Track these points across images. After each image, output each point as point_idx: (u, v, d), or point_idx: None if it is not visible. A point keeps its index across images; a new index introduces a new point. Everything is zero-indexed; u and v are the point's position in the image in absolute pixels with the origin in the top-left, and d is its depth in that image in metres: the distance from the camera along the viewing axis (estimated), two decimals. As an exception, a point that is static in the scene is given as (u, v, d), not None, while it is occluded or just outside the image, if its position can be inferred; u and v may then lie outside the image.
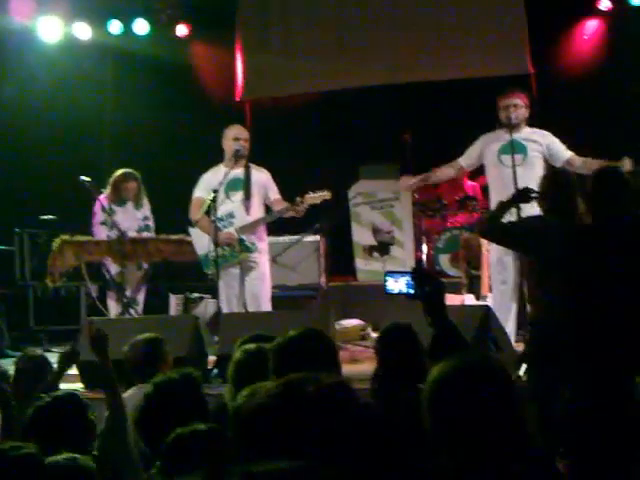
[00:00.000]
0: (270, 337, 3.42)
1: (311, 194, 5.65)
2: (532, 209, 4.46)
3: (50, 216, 7.33)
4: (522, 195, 4.25)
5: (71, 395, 3.10)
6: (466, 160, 5.70)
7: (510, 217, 4.52)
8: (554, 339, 3.65)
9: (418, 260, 6.98)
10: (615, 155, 6.47)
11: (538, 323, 4.02)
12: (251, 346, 3.23)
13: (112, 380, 3.22)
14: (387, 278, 2.99)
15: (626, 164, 5.01)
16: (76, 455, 2.44)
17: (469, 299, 6.34)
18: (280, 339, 2.78)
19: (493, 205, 5.12)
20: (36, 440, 2.58)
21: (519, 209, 4.69)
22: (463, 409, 1.77)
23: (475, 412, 1.76)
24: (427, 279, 2.60)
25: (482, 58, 7.47)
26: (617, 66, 7.89)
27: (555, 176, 4.25)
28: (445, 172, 5.82)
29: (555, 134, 5.66)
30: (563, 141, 5.62)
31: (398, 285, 2.99)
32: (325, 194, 5.69)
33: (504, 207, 4.22)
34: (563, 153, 5.48)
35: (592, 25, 8.23)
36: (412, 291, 2.69)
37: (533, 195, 4.18)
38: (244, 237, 5.70)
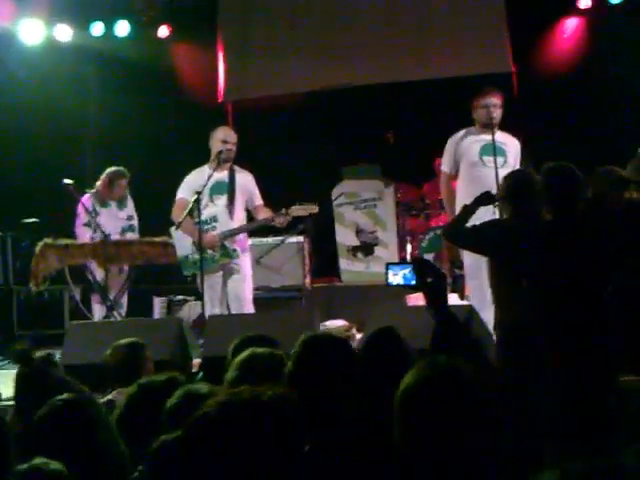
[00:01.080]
0: (265, 338, 3.42)
1: (297, 206, 5.64)
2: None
3: (33, 219, 7.29)
4: (484, 198, 4.31)
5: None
6: (450, 167, 5.69)
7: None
8: (521, 341, 3.70)
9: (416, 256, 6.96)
10: (594, 153, 6.54)
11: (503, 325, 4.05)
12: (263, 350, 3.13)
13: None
14: (388, 270, 3.01)
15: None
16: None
17: (453, 298, 6.35)
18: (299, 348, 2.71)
19: (459, 206, 5.15)
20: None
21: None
22: (431, 418, 1.78)
23: (442, 421, 1.77)
24: (428, 269, 2.61)
25: (464, 57, 7.49)
26: (597, 64, 7.94)
27: (514, 177, 4.29)
28: (449, 189, 5.77)
29: (535, 132, 5.71)
30: (542, 139, 5.67)
31: (398, 277, 3.01)
32: (312, 208, 5.67)
33: (468, 211, 4.27)
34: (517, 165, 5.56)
35: (572, 24, 8.27)
36: (413, 282, 2.69)
37: (494, 198, 4.27)
38: (226, 243, 5.70)
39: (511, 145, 5.59)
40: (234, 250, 5.71)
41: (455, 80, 7.48)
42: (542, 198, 4.00)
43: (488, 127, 5.43)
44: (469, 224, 4.27)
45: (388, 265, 3.07)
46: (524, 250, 3.74)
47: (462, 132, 5.63)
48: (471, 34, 7.54)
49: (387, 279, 3.04)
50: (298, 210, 5.63)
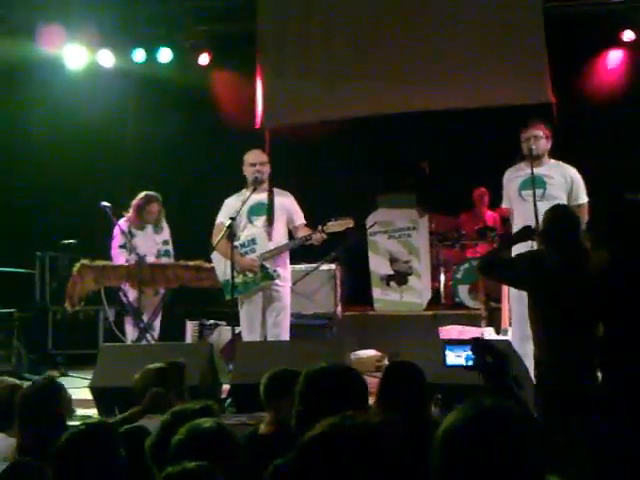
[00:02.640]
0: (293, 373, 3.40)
1: (333, 221, 5.62)
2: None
3: (71, 240, 7.39)
4: (523, 233, 4.27)
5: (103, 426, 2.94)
6: (505, 202, 5.69)
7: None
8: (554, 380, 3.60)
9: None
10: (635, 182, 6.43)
11: (540, 363, 3.96)
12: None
13: None
14: (446, 350, 3.02)
15: None
16: None
17: (488, 332, 6.27)
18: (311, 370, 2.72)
19: None
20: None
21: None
22: (475, 458, 1.71)
23: (487, 461, 1.71)
24: (488, 350, 2.57)
25: (502, 87, 7.43)
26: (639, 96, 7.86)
27: (553, 212, 4.21)
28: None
29: (577, 163, 5.63)
30: (587, 170, 5.58)
31: (460, 358, 3.02)
32: (348, 222, 5.65)
33: (505, 245, 4.27)
34: (578, 196, 5.46)
35: (616, 55, 8.21)
36: (471, 362, 2.67)
37: (534, 232, 4.22)
38: (266, 264, 5.68)
39: (559, 176, 5.49)
40: (274, 271, 5.69)
41: (492, 110, 7.44)
42: (579, 233, 3.92)
43: (530, 159, 5.40)
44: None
45: (446, 345, 3.06)
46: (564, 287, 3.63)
47: (512, 167, 5.61)
48: (510, 64, 7.49)
49: (445, 360, 3.04)
50: (334, 226, 5.62)
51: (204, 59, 8.36)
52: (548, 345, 3.87)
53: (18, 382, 3.85)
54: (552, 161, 5.56)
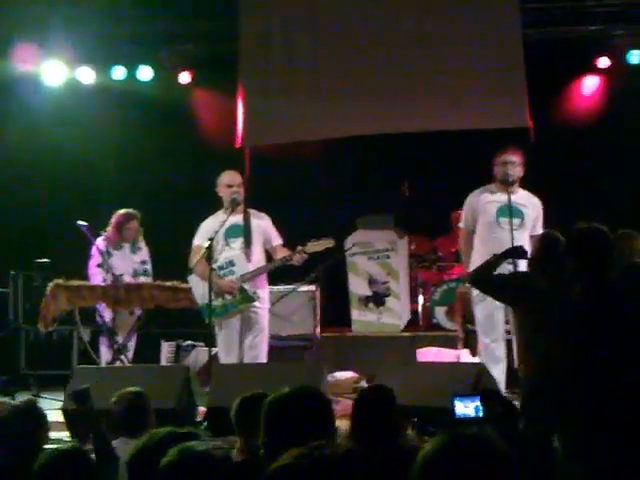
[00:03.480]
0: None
1: (314, 242, 5.61)
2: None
3: (45, 259, 7.31)
4: (515, 252, 4.43)
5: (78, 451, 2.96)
6: (468, 224, 5.71)
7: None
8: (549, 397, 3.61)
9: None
10: (610, 209, 6.50)
11: (527, 381, 4.00)
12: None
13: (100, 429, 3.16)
14: (455, 402, 3.02)
15: None
16: None
17: (465, 354, 6.28)
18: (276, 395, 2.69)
19: (476, 262, 5.14)
20: None
21: (515, 265, 4.75)
22: None
23: None
24: (497, 401, 2.57)
25: (480, 110, 7.48)
26: (615, 122, 7.95)
27: (544, 239, 4.32)
28: (467, 244, 5.76)
29: (551, 188, 5.70)
30: (559, 194, 5.66)
31: (469, 409, 3.02)
32: (329, 242, 5.66)
33: (498, 260, 4.37)
34: (537, 231, 5.54)
35: (591, 82, 8.31)
36: (481, 414, 2.67)
37: (526, 254, 4.34)
38: (245, 286, 5.65)
39: (531, 206, 5.57)
40: (254, 292, 5.66)
41: (473, 133, 7.50)
42: (562, 260, 4.00)
43: (504, 184, 5.42)
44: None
45: (455, 397, 3.06)
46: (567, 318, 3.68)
47: (480, 189, 5.66)
48: (488, 88, 7.54)
49: (454, 411, 3.04)
50: (315, 246, 5.61)
51: (185, 78, 8.35)
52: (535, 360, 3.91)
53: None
54: (522, 190, 5.60)
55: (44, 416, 3.45)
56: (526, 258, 4.39)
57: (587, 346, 3.56)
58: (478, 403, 2.89)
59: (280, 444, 2.35)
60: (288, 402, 2.60)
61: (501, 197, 5.46)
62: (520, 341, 4.16)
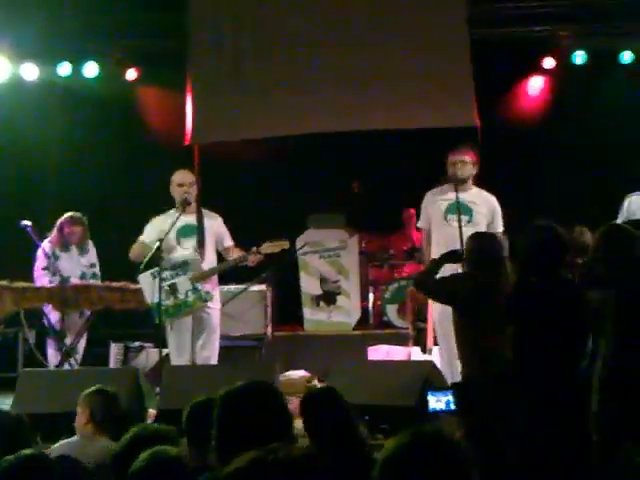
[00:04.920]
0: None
1: (268, 243, 5.59)
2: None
3: (-11, 260, 7.13)
4: (451, 256, 4.47)
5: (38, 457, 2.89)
6: (424, 223, 5.76)
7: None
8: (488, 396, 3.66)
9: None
10: (555, 207, 6.60)
11: (470, 381, 4.03)
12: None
13: None
14: (429, 397, 3.05)
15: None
16: None
17: (415, 352, 6.32)
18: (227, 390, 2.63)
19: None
20: None
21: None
22: None
23: None
24: (468, 393, 2.61)
25: (429, 109, 7.55)
26: (561, 122, 8.10)
27: (478, 238, 4.39)
28: (428, 247, 5.80)
29: (499, 186, 5.76)
30: (506, 193, 5.73)
31: (441, 403, 3.05)
32: (284, 243, 5.64)
33: (438, 264, 4.41)
34: (497, 225, 5.60)
35: (537, 82, 8.45)
36: (454, 407, 2.71)
37: (461, 257, 4.39)
38: (199, 285, 5.60)
39: (482, 203, 5.62)
40: (207, 292, 5.62)
41: (424, 132, 7.55)
42: (502, 259, 4.09)
43: (455, 183, 5.48)
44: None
45: (428, 391, 3.09)
46: (514, 310, 3.74)
47: (435, 189, 5.70)
48: (437, 87, 7.61)
49: (428, 405, 3.07)
50: (269, 247, 5.59)
51: (131, 74, 8.23)
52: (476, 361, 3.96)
53: None
54: (475, 188, 5.67)
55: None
56: (462, 260, 4.43)
57: (533, 343, 3.62)
58: (450, 397, 2.93)
59: (233, 443, 2.31)
60: (245, 397, 2.55)
61: (451, 195, 5.51)
62: (459, 341, 4.20)
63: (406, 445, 1.77)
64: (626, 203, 5.92)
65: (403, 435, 1.80)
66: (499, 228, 5.63)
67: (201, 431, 3.11)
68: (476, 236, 4.46)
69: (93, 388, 3.77)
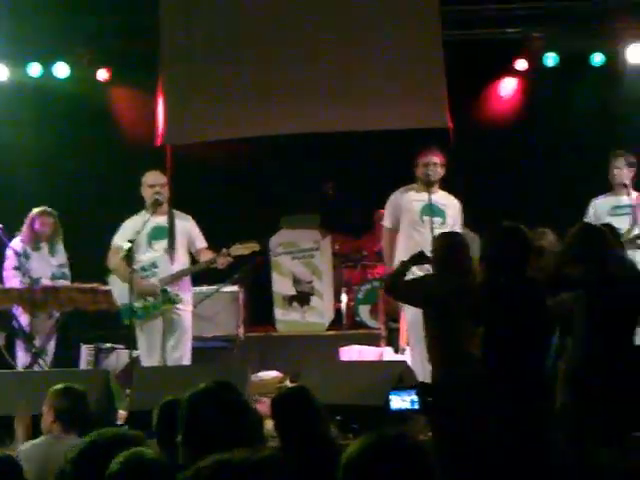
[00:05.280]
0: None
1: (238, 245, 5.59)
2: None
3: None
4: (418, 258, 4.47)
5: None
6: (391, 223, 5.76)
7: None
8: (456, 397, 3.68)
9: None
10: (527, 208, 6.65)
11: (439, 384, 4.02)
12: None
13: None
14: (392, 397, 3.07)
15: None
16: None
17: (388, 352, 6.34)
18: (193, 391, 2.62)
19: (396, 261, 5.24)
20: None
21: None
22: None
23: None
24: (431, 392, 2.63)
25: (401, 111, 7.57)
26: (533, 124, 8.16)
27: (445, 238, 4.40)
28: (390, 244, 5.80)
29: (470, 187, 5.82)
30: (478, 194, 5.78)
31: (406, 402, 3.06)
32: (254, 245, 5.64)
33: (405, 267, 4.42)
34: (459, 226, 5.68)
35: (510, 83, 8.50)
36: (417, 406, 2.73)
37: (428, 258, 4.40)
38: (168, 288, 5.57)
39: (451, 206, 5.68)
40: (177, 295, 5.60)
41: (396, 133, 7.57)
42: (468, 257, 4.12)
43: (426, 184, 5.52)
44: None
45: (392, 391, 3.09)
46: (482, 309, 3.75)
47: (403, 189, 5.73)
48: (409, 89, 7.64)
49: (390, 405, 3.08)
50: (239, 249, 5.59)
51: (103, 75, 8.18)
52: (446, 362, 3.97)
53: None
54: (440, 190, 5.71)
55: None
56: (429, 261, 4.44)
57: (507, 342, 3.64)
58: (414, 397, 2.94)
59: (199, 444, 2.31)
60: (205, 398, 2.54)
61: (424, 196, 5.54)
62: (430, 342, 4.21)
63: (369, 447, 1.78)
64: (591, 208, 6.00)
65: (366, 437, 1.81)
66: (459, 229, 5.68)
67: (170, 431, 3.13)
68: (444, 236, 4.48)
69: (59, 386, 3.72)
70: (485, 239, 3.94)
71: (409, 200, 5.67)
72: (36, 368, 6.19)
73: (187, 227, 5.80)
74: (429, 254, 4.44)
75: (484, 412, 3.56)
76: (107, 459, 2.31)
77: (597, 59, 8.04)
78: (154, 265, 5.61)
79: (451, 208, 5.68)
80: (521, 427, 3.45)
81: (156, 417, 3.30)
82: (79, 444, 2.51)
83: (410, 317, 5.51)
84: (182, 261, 5.73)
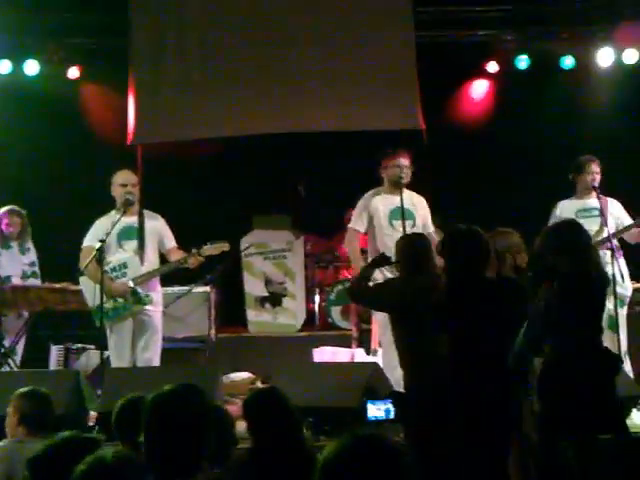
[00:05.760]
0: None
1: (209, 245, 5.56)
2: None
3: None
4: (381, 260, 4.44)
5: None
6: (359, 225, 5.76)
7: None
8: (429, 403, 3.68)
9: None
10: (497, 210, 6.70)
11: (410, 388, 4.02)
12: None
13: None
14: (368, 406, 3.07)
15: None
16: None
17: (359, 353, 6.34)
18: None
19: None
20: None
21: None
22: None
23: None
24: (405, 402, 2.63)
25: (373, 112, 7.59)
26: (504, 126, 8.22)
27: (407, 240, 4.41)
28: (355, 246, 5.80)
29: (441, 188, 5.83)
30: (449, 196, 5.80)
31: (380, 411, 3.06)
32: (224, 245, 5.62)
33: (367, 271, 4.37)
34: (429, 225, 5.67)
35: (481, 85, 8.57)
36: (392, 416, 2.74)
37: (390, 260, 4.37)
38: (138, 288, 5.54)
39: (420, 206, 5.69)
40: (147, 296, 5.57)
41: (367, 134, 7.59)
42: (432, 258, 4.12)
43: (397, 187, 5.52)
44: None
45: (367, 400, 3.10)
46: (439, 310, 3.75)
47: (373, 191, 5.73)
48: (381, 89, 7.66)
49: (367, 414, 3.08)
50: (209, 249, 5.57)
51: (74, 72, 8.10)
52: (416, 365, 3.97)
53: None
54: (407, 191, 5.71)
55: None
56: (392, 263, 4.43)
57: (467, 341, 3.65)
58: (389, 405, 2.96)
59: (161, 445, 2.30)
60: (168, 400, 2.52)
61: (394, 199, 5.55)
62: (399, 346, 4.20)
63: (346, 448, 1.79)
64: (558, 210, 6.05)
65: (343, 438, 1.83)
66: (431, 228, 5.69)
67: (130, 430, 3.11)
68: (405, 238, 4.48)
69: (24, 389, 3.67)
70: (443, 241, 3.95)
71: (378, 203, 5.67)
72: (5, 368, 6.11)
73: (157, 227, 5.77)
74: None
75: (449, 415, 3.57)
76: (66, 463, 2.32)
77: (568, 62, 8.13)
78: (124, 266, 5.58)
79: (420, 208, 5.70)
80: (484, 428, 3.46)
81: (115, 416, 3.30)
82: (38, 449, 2.50)
83: (380, 319, 5.51)
84: (152, 261, 5.70)
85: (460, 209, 6.67)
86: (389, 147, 5.82)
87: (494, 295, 3.71)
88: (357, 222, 5.79)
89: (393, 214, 5.55)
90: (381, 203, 5.62)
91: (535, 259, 4.09)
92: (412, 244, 4.31)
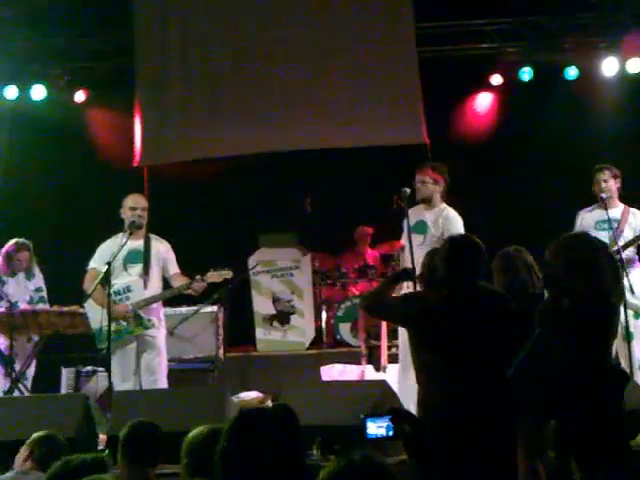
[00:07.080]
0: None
1: (212, 272, 5.59)
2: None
3: None
4: (403, 275, 4.36)
5: None
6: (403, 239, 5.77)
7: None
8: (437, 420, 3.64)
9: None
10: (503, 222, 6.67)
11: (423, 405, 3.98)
12: None
13: None
14: (368, 424, 3.04)
15: None
16: None
17: (369, 370, 6.32)
18: None
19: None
20: None
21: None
22: None
23: None
24: (405, 419, 2.61)
25: (378, 127, 7.62)
26: (509, 138, 8.22)
27: (430, 255, 4.36)
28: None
29: (447, 202, 5.79)
30: (455, 208, 5.75)
31: (381, 429, 3.04)
32: (227, 273, 5.63)
33: (387, 285, 4.29)
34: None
35: (485, 98, 8.58)
36: (392, 433, 2.71)
37: (413, 275, 4.33)
38: (140, 312, 5.56)
39: (438, 221, 5.60)
40: (149, 320, 5.58)
41: (376, 149, 7.60)
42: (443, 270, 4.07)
43: (422, 202, 5.55)
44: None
45: (366, 417, 3.07)
46: (434, 326, 3.72)
47: (413, 208, 5.68)
48: (386, 105, 7.70)
49: (366, 432, 3.06)
50: (213, 276, 5.59)
51: (80, 96, 8.17)
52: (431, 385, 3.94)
53: None
54: (441, 206, 5.66)
55: None
56: (414, 279, 4.40)
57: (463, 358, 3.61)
58: (389, 423, 2.93)
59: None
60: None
61: (418, 213, 5.57)
62: (413, 361, 4.16)
63: (336, 472, 1.80)
64: (578, 220, 6.00)
65: (335, 461, 1.85)
66: None
67: (142, 450, 3.21)
68: (430, 253, 4.42)
69: (41, 433, 3.66)
70: (436, 256, 3.92)
71: (411, 216, 5.61)
72: (16, 393, 6.13)
73: (162, 251, 5.78)
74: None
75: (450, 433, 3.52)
76: None
77: (571, 73, 8.13)
78: (128, 289, 5.60)
79: (440, 223, 5.60)
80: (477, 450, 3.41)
81: (125, 437, 3.33)
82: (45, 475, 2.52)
83: (402, 338, 5.46)
84: (156, 286, 5.72)
85: (465, 221, 6.64)
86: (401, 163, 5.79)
87: (477, 308, 3.67)
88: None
89: (413, 228, 5.49)
90: (412, 216, 5.55)
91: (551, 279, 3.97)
92: (431, 259, 4.25)
